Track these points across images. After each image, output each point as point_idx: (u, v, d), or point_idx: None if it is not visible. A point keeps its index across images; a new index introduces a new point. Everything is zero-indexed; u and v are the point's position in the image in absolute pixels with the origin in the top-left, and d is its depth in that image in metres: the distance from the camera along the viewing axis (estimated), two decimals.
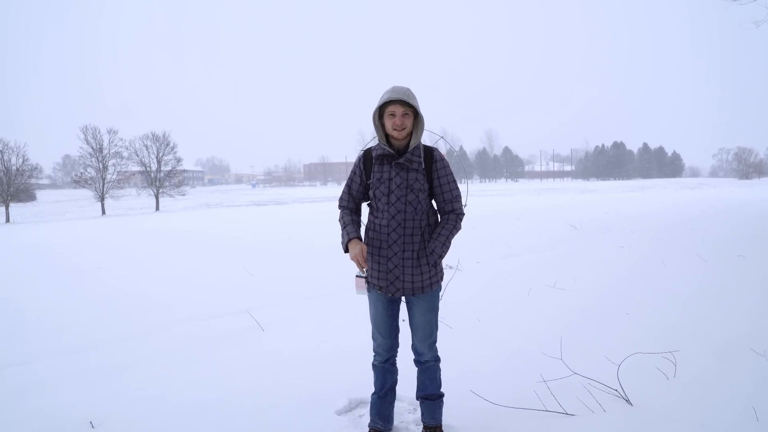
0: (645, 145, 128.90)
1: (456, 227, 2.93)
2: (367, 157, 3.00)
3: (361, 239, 2.93)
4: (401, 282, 2.86)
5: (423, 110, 2.89)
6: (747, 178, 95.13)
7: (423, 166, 2.89)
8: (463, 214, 3.00)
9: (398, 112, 2.80)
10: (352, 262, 2.88)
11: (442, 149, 3.10)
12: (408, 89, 2.84)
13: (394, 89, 2.81)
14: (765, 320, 4.94)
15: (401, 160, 2.86)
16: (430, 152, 2.95)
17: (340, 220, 3.04)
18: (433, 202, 3.02)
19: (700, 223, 13.54)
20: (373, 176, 2.93)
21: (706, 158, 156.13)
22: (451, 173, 2.97)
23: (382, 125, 2.91)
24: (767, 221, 14.07)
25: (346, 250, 2.92)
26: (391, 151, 2.88)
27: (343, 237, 2.94)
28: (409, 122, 2.83)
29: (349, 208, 3.05)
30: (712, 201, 24.27)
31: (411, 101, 2.77)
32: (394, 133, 2.84)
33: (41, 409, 3.61)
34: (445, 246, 2.90)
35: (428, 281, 2.90)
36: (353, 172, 3.04)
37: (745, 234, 11.27)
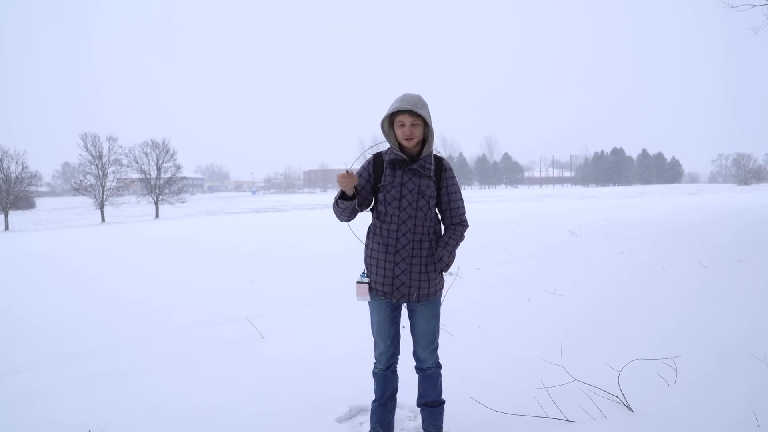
0: (644, 151, 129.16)
1: (461, 238, 3.00)
2: (377, 161, 2.97)
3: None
4: (407, 288, 2.86)
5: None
6: (746, 183, 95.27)
7: (434, 174, 2.91)
8: (468, 224, 3.04)
9: (407, 122, 2.79)
10: (344, 186, 2.75)
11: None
12: (418, 97, 2.82)
13: (404, 98, 2.79)
14: (765, 325, 4.94)
15: (415, 166, 2.86)
16: (439, 161, 2.97)
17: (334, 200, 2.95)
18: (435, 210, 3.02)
19: (699, 229, 13.56)
20: (384, 179, 2.90)
21: (705, 164, 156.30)
22: (458, 184, 3.01)
23: (393, 132, 2.90)
24: (766, 227, 14.09)
25: (341, 196, 2.84)
26: (404, 156, 2.88)
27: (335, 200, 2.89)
28: (418, 131, 2.82)
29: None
30: (712, 207, 24.32)
31: (420, 111, 2.75)
32: (405, 143, 2.84)
33: (41, 417, 3.61)
34: (452, 256, 2.95)
35: (434, 288, 2.91)
36: (359, 173, 2.98)
37: (744, 240, 11.28)
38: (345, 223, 3.12)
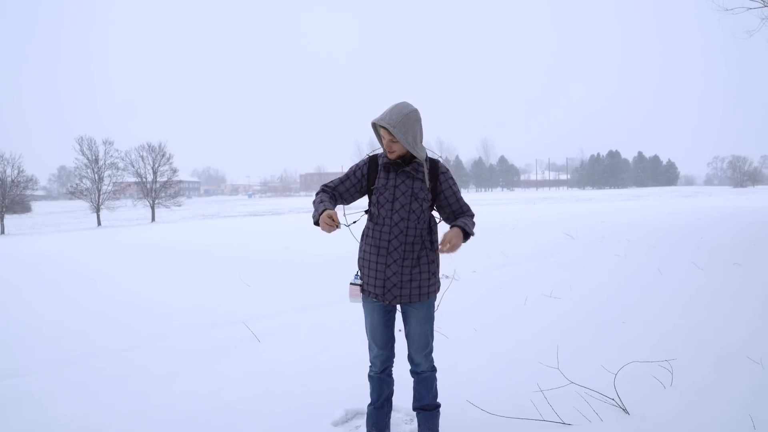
0: (640, 153, 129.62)
1: (474, 225, 2.98)
2: (372, 163, 2.98)
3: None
4: (399, 290, 2.86)
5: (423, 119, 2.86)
6: (741, 186, 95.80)
7: (428, 177, 2.90)
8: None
9: (386, 136, 2.79)
10: (325, 231, 2.73)
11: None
12: (405, 114, 2.74)
13: (391, 111, 2.75)
14: (761, 328, 4.96)
15: (408, 169, 2.87)
16: (435, 164, 2.96)
17: (315, 196, 2.95)
18: (434, 212, 3.02)
19: (695, 232, 13.60)
20: (378, 182, 2.91)
21: (700, 166, 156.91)
22: (456, 184, 3.01)
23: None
24: (762, 229, 14.15)
25: (317, 222, 2.80)
26: (398, 160, 2.88)
27: (317, 209, 2.83)
28: (397, 147, 2.80)
29: (327, 192, 2.97)
30: (707, 209, 24.39)
31: (394, 131, 2.70)
32: (387, 153, 2.85)
33: (40, 420, 3.59)
34: (473, 227, 2.93)
35: (426, 289, 2.90)
36: (352, 170, 2.99)
37: (740, 242, 11.32)
38: (343, 227, 3.13)
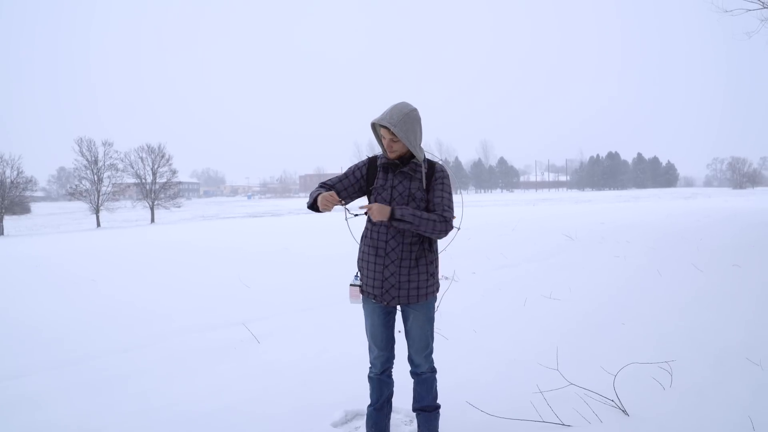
0: (639, 155, 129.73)
1: (436, 223, 2.75)
2: (372, 164, 2.99)
3: None
4: (397, 291, 2.86)
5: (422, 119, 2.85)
6: (741, 187, 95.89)
7: (424, 177, 2.89)
8: (451, 224, 2.85)
9: (386, 136, 2.80)
10: (325, 209, 2.74)
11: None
12: (405, 114, 2.75)
13: (391, 111, 2.76)
14: (760, 329, 4.96)
15: (405, 169, 2.87)
16: (432, 165, 2.96)
17: (314, 190, 2.94)
18: None
19: (695, 233, 13.60)
20: (376, 182, 2.92)
21: (700, 168, 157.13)
22: (449, 184, 2.93)
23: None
24: (761, 231, 14.15)
25: (313, 205, 2.82)
26: (396, 160, 2.89)
27: (312, 195, 2.85)
28: (398, 146, 2.81)
29: (325, 188, 2.95)
30: (707, 211, 24.38)
31: (395, 130, 2.71)
32: (387, 152, 2.86)
33: (40, 421, 3.59)
34: (414, 217, 2.70)
35: (424, 291, 2.90)
36: (351, 170, 2.99)
37: (739, 244, 11.32)
38: (345, 228, 3.13)
